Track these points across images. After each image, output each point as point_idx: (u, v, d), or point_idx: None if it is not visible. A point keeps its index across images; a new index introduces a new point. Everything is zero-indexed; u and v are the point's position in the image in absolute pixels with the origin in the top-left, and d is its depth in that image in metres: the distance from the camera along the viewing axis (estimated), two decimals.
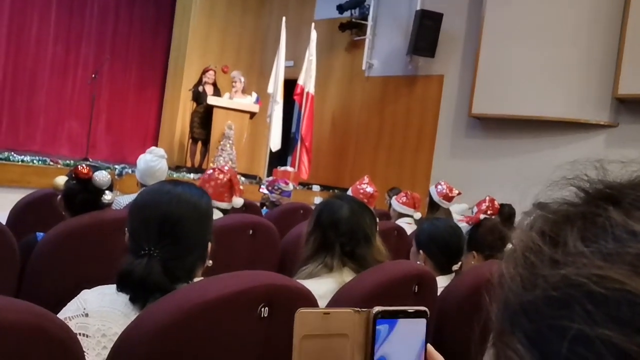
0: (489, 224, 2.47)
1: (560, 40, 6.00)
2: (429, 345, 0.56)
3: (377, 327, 0.54)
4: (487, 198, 2.78)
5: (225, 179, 2.86)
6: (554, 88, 6.06)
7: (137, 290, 1.19)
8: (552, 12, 6.03)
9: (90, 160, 6.10)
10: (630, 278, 0.28)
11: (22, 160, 5.30)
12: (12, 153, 5.44)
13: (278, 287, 1.18)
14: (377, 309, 0.54)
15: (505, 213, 3.82)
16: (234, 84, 7.42)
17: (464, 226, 2.49)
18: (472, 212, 3.25)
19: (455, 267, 2.07)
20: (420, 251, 2.08)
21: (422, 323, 0.56)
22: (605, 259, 0.29)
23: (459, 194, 4.04)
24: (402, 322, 0.55)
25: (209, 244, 1.31)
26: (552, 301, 0.30)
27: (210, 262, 1.32)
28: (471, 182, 5.91)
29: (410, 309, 0.56)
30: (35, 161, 5.38)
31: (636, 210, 0.31)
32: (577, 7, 5.95)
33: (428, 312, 0.56)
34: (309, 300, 1.26)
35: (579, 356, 0.28)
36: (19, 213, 2.56)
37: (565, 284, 0.30)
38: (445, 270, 2.06)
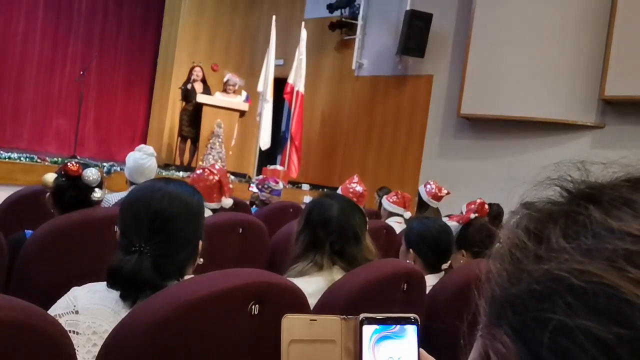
0: (479, 223, 2.50)
1: (548, 42, 6.06)
2: (421, 350, 0.57)
3: (369, 332, 0.55)
4: (478, 201, 2.81)
5: (214, 180, 2.85)
6: (541, 89, 6.12)
7: (127, 286, 1.19)
8: (540, 14, 6.09)
9: (78, 157, 6.05)
10: (608, 272, 0.30)
11: (9, 158, 5.25)
12: None
13: (269, 285, 1.19)
14: (363, 315, 0.55)
15: (494, 212, 3.85)
16: (228, 86, 7.35)
17: (454, 225, 2.52)
18: (462, 211, 3.28)
19: (444, 266, 2.09)
20: (410, 250, 2.10)
21: (413, 330, 0.56)
22: (585, 255, 0.31)
23: (448, 193, 4.08)
24: (393, 328, 0.56)
25: (200, 242, 1.32)
26: (536, 294, 0.31)
27: (201, 259, 1.33)
28: (460, 182, 5.96)
29: (399, 315, 0.56)
30: (22, 158, 5.33)
31: (614, 209, 0.32)
32: (564, 10, 6.02)
33: (418, 319, 0.57)
34: (299, 298, 1.27)
35: (560, 345, 0.29)
36: (6, 210, 2.54)
37: (548, 278, 0.31)
38: (435, 269, 2.08)
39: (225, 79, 7.44)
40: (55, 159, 5.59)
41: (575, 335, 0.29)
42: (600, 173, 0.36)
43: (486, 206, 2.97)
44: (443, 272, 2.08)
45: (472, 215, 2.55)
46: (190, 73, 7.35)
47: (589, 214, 0.33)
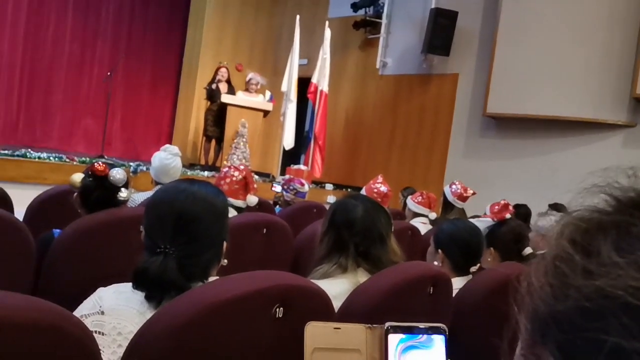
0: (513, 224, 2.47)
1: (577, 39, 5.92)
2: None
3: (395, 341, 0.53)
4: (502, 202, 2.76)
5: (240, 177, 2.87)
6: (570, 87, 5.99)
7: (152, 288, 1.19)
8: (568, 10, 5.96)
9: (106, 157, 6.14)
10: None
11: (39, 157, 5.36)
12: (29, 150, 5.50)
13: (293, 288, 1.17)
14: (388, 324, 0.53)
15: (521, 214, 3.78)
16: (251, 86, 7.40)
17: (488, 221, 2.48)
18: (486, 212, 3.23)
19: (473, 269, 2.05)
20: (439, 250, 2.07)
21: (440, 340, 0.54)
22: None
23: (474, 194, 4.02)
24: (420, 338, 0.54)
25: (224, 243, 1.31)
26: (586, 312, 0.29)
27: (225, 261, 1.32)
28: (485, 182, 5.87)
29: (427, 325, 0.54)
30: (51, 158, 5.43)
31: None
32: (594, 5, 5.88)
33: (446, 329, 0.55)
34: (324, 301, 1.25)
35: None
36: (35, 209, 2.59)
37: (599, 295, 0.29)
38: (463, 272, 2.04)
39: (247, 78, 7.47)
40: (84, 158, 5.69)
41: (633, 359, 0.27)
42: None
43: (510, 207, 2.92)
44: (470, 275, 2.04)
45: (508, 215, 2.52)
46: (216, 73, 7.41)
47: None
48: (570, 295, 0.30)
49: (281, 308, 1.12)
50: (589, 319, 0.29)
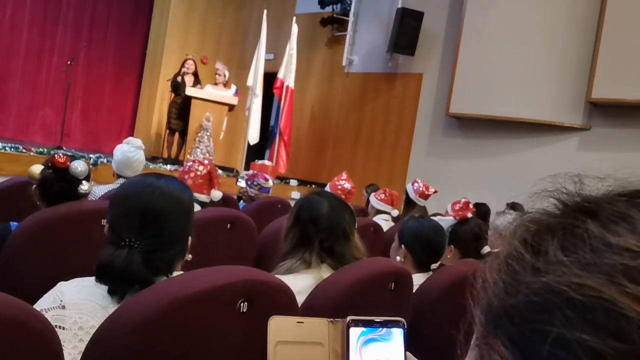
0: (473, 223, 2.54)
1: (537, 44, 6.10)
2: (408, 353, 0.57)
3: (356, 334, 0.55)
4: (463, 200, 2.84)
5: (204, 172, 2.85)
6: (530, 90, 6.17)
7: (116, 281, 1.19)
8: (530, 15, 6.13)
9: (64, 148, 5.99)
10: (607, 286, 0.30)
11: None
12: None
13: (257, 283, 1.19)
14: (349, 318, 0.55)
15: (481, 212, 3.88)
16: (217, 76, 7.35)
17: (449, 220, 2.54)
18: (447, 210, 3.30)
19: (433, 266, 2.10)
20: (402, 246, 2.12)
21: (399, 333, 0.57)
22: (583, 268, 0.31)
23: (435, 192, 4.10)
24: (380, 331, 0.56)
25: (190, 238, 1.31)
26: (534, 306, 0.32)
27: (190, 256, 1.32)
28: (447, 181, 5.99)
29: (386, 318, 0.57)
30: (7, 148, 5.25)
31: (612, 224, 0.33)
32: (554, 12, 6.06)
33: (405, 322, 0.57)
34: (288, 296, 1.27)
35: (558, 357, 0.30)
36: None
37: (546, 290, 0.32)
38: (424, 268, 2.09)
39: (215, 67, 7.45)
40: (41, 149, 5.52)
41: (574, 348, 0.29)
42: (594, 186, 0.37)
43: (471, 205, 3.00)
44: (431, 272, 2.09)
45: (469, 214, 2.58)
46: (182, 65, 7.31)
47: (586, 228, 0.33)
48: (521, 291, 0.33)
49: (245, 303, 1.13)
50: (537, 312, 0.31)
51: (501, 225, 2.82)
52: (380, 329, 0.56)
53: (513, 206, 3.54)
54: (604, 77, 5.79)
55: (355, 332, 0.55)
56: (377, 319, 0.56)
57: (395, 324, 0.57)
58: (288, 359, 0.55)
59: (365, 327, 0.55)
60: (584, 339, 0.29)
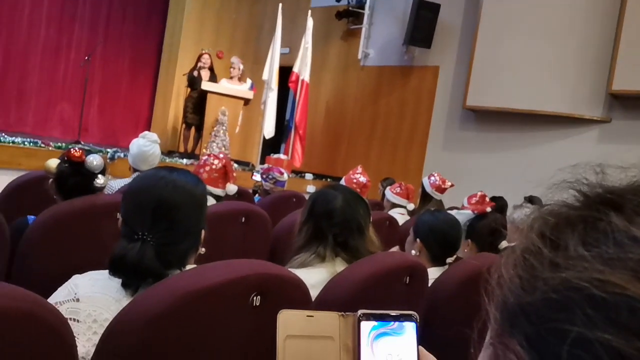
0: (492, 218, 2.51)
1: (556, 35, 6.00)
2: (421, 347, 0.56)
3: (367, 328, 0.54)
4: (479, 194, 2.80)
5: (219, 165, 2.85)
6: (548, 82, 6.08)
7: (129, 275, 1.19)
8: (549, 6, 6.03)
9: (82, 143, 6.05)
10: (632, 283, 0.28)
11: (13, 142, 5.25)
12: (3, 134, 5.39)
13: (270, 276, 1.18)
14: (360, 311, 0.54)
15: (498, 206, 3.83)
16: (231, 69, 7.37)
17: (468, 213, 2.52)
18: (463, 204, 3.27)
19: (449, 260, 2.08)
20: (417, 240, 2.10)
21: (412, 327, 0.55)
22: (606, 264, 0.29)
23: (452, 186, 4.06)
24: (392, 325, 0.55)
25: (203, 232, 1.31)
26: (552, 304, 0.30)
27: (203, 249, 1.32)
28: (464, 175, 5.94)
29: (398, 312, 0.55)
30: (26, 143, 5.32)
31: (638, 217, 0.31)
32: (574, 2, 5.95)
33: (417, 316, 0.56)
34: (301, 290, 1.26)
35: (578, 358, 0.28)
36: (9, 195, 2.54)
37: (565, 287, 0.30)
38: (439, 262, 2.08)
39: (231, 61, 7.46)
40: (59, 144, 5.59)
41: (595, 348, 0.28)
42: (617, 176, 0.35)
43: (487, 199, 2.96)
44: (447, 266, 2.07)
45: (488, 209, 2.56)
46: (198, 60, 7.33)
47: (609, 221, 0.31)
48: (538, 287, 0.31)
49: (258, 296, 1.12)
50: (555, 310, 0.30)
51: (518, 219, 2.78)
52: (392, 322, 0.55)
53: (531, 199, 3.49)
54: (625, 69, 5.67)
55: (366, 326, 0.54)
56: (389, 312, 0.55)
57: (408, 318, 0.55)
58: (298, 353, 0.54)
59: (376, 321, 0.54)
60: (606, 339, 0.27)
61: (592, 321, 0.28)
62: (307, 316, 0.55)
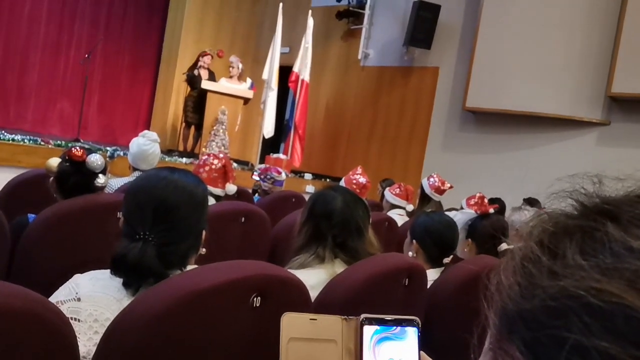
0: (494, 219, 2.52)
1: (556, 38, 6.01)
2: (422, 352, 0.57)
3: (370, 332, 0.54)
4: (477, 195, 2.81)
5: (219, 165, 2.86)
6: (548, 84, 6.09)
7: (130, 274, 1.19)
8: (549, 8, 6.04)
9: (82, 141, 6.05)
10: (628, 292, 0.29)
11: (13, 139, 5.25)
12: (3, 132, 5.38)
13: (271, 277, 1.19)
14: (363, 316, 0.55)
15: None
16: (230, 69, 7.37)
17: (470, 213, 2.52)
18: (462, 206, 3.28)
19: (446, 260, 2.09)
20: (414, 241, 2.11)
21: (413, 332, 0.56)
22: (603, 273, 0.30)
23: (451, 187, 4.07)
24: (394, 330, 0.55)
25: (203, 232, 1.32)
26: (550, 311, 0.31)
27: (204, 250, 1.33)
28: (463, 176, 5.94)
29: (400, 317, 0.56)
30: (25, 140, 5.32)
31: (634, 227, 0.32)
32: (574, 5, 5.96)
33: (419, 322, 0.57)
34: (301, 291, 1.27)
35: None
36: (9, 193, 2.54)
37: (563, 295, 0.31)
38: (436, 263, 2.09)
39: (230, 59, 7.46)
40: (59, 141, 5.59)
41: (592, 356, 0.28)
42: (614, 186, 0.36)
43: (486, 200, 2.97)
44: (444, 267, 2.08)
45: (491, 210, 2.56)
46: (198, 59, 7.33)
47: (606, 231, 0.32)
48: (537, 295, 0.32)
49: (258, 297, 1.13)
50: (554, 317, 0.30)
51: (517, 221, 2.79)
52: (395, 327, 0.55)
53: (530, 201, 3.51)
54: (624, 71, 5.68)
55: (368, 330, 0.54)
56: (391, 317, 0.56)
57: (410, 323, 0.56)
58: (301, 356, 0.55)
59: (379, 325, 0.55)
60: (603, 347, 0.28)
61: (589, 329, 0.29)
62: (310, 319, 0.56)
